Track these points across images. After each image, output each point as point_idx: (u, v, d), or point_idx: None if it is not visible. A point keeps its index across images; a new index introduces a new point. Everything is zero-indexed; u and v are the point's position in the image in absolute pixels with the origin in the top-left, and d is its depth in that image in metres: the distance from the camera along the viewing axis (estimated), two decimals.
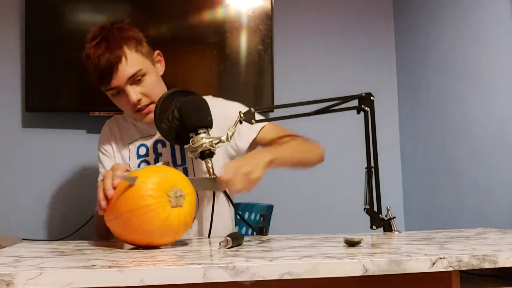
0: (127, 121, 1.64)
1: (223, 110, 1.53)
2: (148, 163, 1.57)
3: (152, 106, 1.45)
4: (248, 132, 1.53)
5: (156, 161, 1.56)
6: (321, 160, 1.57)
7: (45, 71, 2.20)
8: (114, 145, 1.61)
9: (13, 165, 2.26)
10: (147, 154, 1.57)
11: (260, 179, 1.31)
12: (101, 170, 1.58)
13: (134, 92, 1.44)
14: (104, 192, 1.13)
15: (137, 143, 1.59)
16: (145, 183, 1.11)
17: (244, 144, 1.55)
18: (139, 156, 1.57)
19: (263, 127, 1.55)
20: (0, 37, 2.27)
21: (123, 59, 1.41)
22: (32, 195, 2.26)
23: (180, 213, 1.12)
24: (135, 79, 1.44)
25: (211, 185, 1.29)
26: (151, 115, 1.44)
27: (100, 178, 1.53)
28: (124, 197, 1.10)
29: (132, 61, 1.43)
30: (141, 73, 1.45)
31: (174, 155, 1.56)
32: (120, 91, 1.45)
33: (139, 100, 1.45)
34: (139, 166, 1.57)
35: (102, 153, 1.61)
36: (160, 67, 1.57)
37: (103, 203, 1.13)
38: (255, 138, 1.55)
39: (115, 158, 1.59)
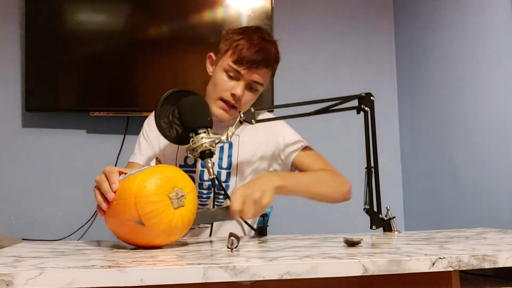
0: None
1: (276, 133, 1.59)
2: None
3: (235, 112, 1.50)
4: (292, 147, 1.57)
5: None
6: (346, 198, 1.55)
7: (45, 71, 2.20)
8: (160, 138, 1.52)
9: (13, 165, 2.26)
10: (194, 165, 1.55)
11: (269, 205, 1.31)
12: (136, 151, 1.58)
13: (241, 89, 1.49)
14: (104, 196, 1.11)
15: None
16: (146, 188, 1.10)
17: (289, 160, 1.58)
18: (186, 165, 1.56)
19: (303, 148, 1.57)
20: (0, 38, 2.27)
21: (270, 71, 1.54)
22: (32, 195, 2.26)
23: (183, 213, 1.12)
24: (254, 87, 1.51)
25: (223, 215, 1.30)
26: (224, 113, 1.50)
27: (131, 158, 1.57)
28: (126, 203, 1.08)
29: (267, 78, 1.55)
30: (259, 88, 1.53)
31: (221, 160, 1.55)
32: (236, 77, 1.49)
33: (237, 96, 1.48)
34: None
35: (144, 136, 1.60)
36: None
37: (104, 205, 1.11)
38: (294, 158, 1.57)
39: (155, 148, 1.57)
